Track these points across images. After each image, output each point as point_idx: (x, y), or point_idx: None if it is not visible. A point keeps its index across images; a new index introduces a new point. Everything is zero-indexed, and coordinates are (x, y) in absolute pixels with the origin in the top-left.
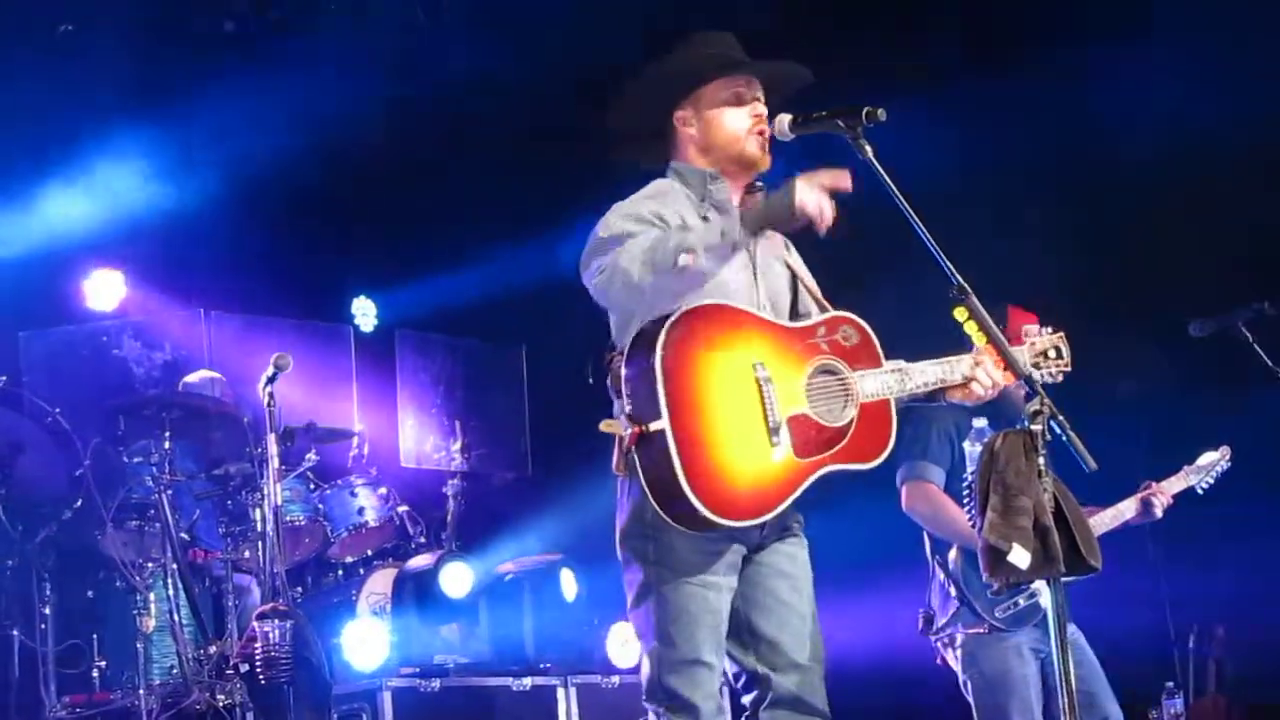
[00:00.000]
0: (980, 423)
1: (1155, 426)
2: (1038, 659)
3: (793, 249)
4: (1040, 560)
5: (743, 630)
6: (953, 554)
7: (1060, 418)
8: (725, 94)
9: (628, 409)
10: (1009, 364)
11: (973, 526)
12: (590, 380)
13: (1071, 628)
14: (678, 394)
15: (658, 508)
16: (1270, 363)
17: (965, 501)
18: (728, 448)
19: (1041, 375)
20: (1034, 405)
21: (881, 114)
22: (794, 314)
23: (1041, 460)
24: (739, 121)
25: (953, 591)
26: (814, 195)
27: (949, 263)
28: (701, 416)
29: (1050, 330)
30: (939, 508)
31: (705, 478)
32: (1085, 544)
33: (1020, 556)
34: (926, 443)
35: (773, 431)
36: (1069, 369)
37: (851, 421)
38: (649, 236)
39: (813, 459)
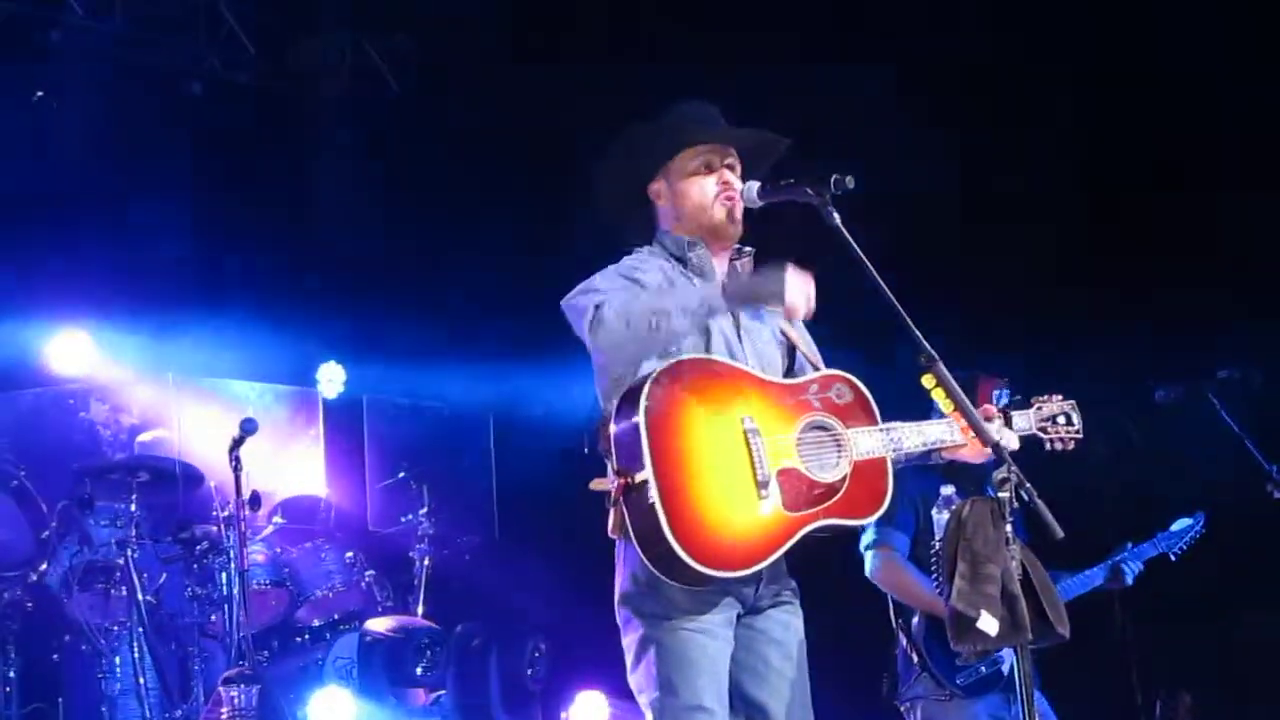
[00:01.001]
0: (948, 490)
1: (1123, 492)
2: None
3: None
4: (1008, 628)
5: (734, 694)
6: (916, 620)
7: (1028, 485)
8: (695, 163)
9: (615, 464)
10: (976, 431)
11: (940, 594)
12: (587, 451)
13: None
14: (662, 445)
15: (646, 561)
16: (1236, 428)
17: (933, 568)
18: (714, 499)
19: (1050, 441)
20: (1001, 473)
21: (850, 181)
22: (789, 376)
23: (1009, 528)
24: (707, 189)
25: (915, 658)
26: (804, 291)
27: (916, 330)
28: (686, 468)
29: (1060, 397)
30: (900, 574)
31: (690, 528)
32: (1053, 611)
33: (988, 624)
34: (892, 509)
35: (761, 484)
36: (1080, 437)
37: (845, 477)
38: (631, 293)
39: (803, 513)
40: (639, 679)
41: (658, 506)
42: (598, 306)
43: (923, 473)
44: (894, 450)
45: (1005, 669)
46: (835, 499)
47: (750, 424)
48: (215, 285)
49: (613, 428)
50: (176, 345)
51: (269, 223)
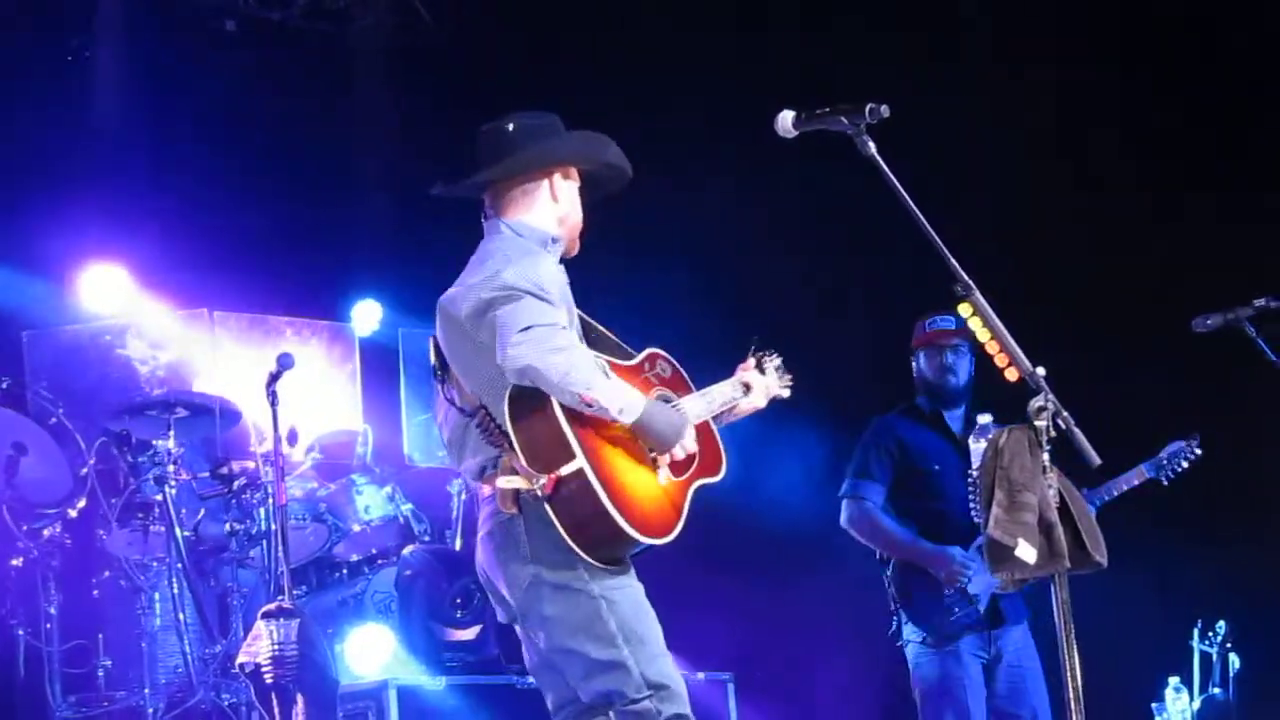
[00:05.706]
0: (985, 419)
1: (1159, 421)
2: (979, 663)
3: None
4: (1045, 556)
5: None
6: (891, 569)
7: (1065, 413)
8: (579, 183)
9: (525, 461)
10: (1013, 360)
11: (977, 521)
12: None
13: (1022, 626)
14: (582, 432)
15: (581, 551)
16: (1275, 358)
17: (970, 496)
18: (632, 475)
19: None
20: (1038, 401)
21: (885, 110)
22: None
23: (1046, 456)
24: (579, 210)
25: (893, 605)
26: (688, 450)
27: (953, 259)
28: (604, 450)
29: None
30: (873, 524)
31: (627, 507)
32: (1090, 540)
33: (1026, 552)
34: (865, 461)
35: (652, 457)
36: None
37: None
38: (586, 359)
39: (685, 477)
40: (593, 641)
41: (599, 492)
42: (563, 355)
43: (895, 421)
44: (709, 412)
45: (981, 610)
46: (697, 462)
47: None
48: (251, 221)
49: (518, 427)
50: (213, 281)
51: (305, 159)
